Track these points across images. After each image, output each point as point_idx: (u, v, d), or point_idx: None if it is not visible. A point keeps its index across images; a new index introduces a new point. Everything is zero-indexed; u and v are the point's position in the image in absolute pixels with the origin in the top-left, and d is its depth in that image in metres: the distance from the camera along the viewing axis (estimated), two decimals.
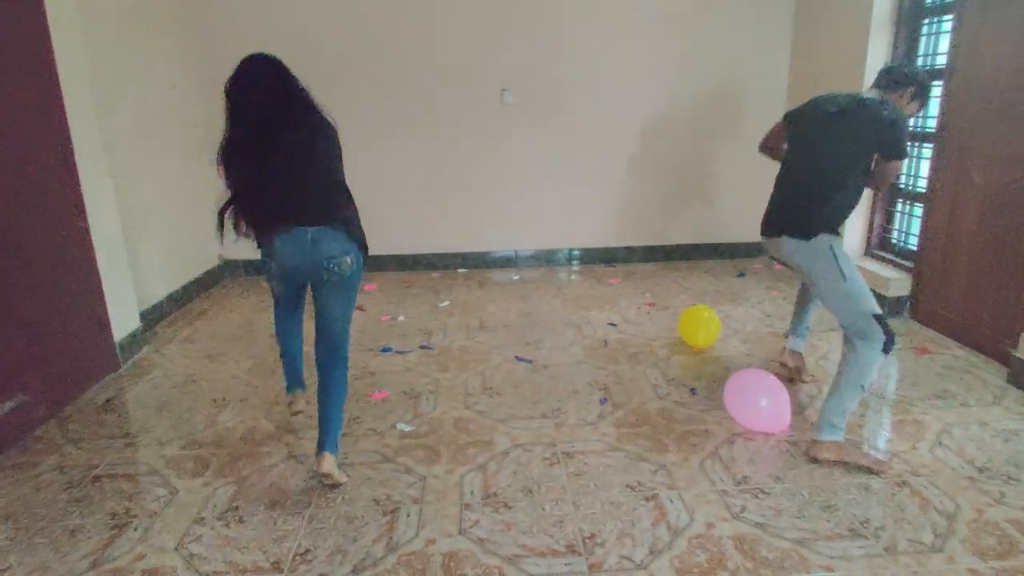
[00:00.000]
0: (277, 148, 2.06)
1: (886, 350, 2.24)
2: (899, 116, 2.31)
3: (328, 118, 2.16)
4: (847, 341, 2.31)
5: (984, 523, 1.96)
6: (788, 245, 2.48)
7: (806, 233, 2.41)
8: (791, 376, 2.95)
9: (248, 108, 2.11)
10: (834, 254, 2.37)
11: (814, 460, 2.29)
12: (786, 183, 2.58)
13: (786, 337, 3.02)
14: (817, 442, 2.30)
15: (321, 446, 2.17)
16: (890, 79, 2.43)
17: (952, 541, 1.88)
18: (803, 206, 2.46)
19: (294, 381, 2.64)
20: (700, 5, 4.61)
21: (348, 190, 2.25)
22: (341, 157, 2.20)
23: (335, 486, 2.21)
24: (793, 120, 2.58)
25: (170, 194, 4.15)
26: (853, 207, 2.48)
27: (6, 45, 2.60)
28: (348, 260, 2.17)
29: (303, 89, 2.17)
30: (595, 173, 4.90)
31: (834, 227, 2.45)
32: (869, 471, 2.23)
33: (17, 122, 2.65)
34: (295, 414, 2.63)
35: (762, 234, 2.64)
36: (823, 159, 2.41)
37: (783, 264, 2.69)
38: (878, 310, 2.27)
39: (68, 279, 2.92)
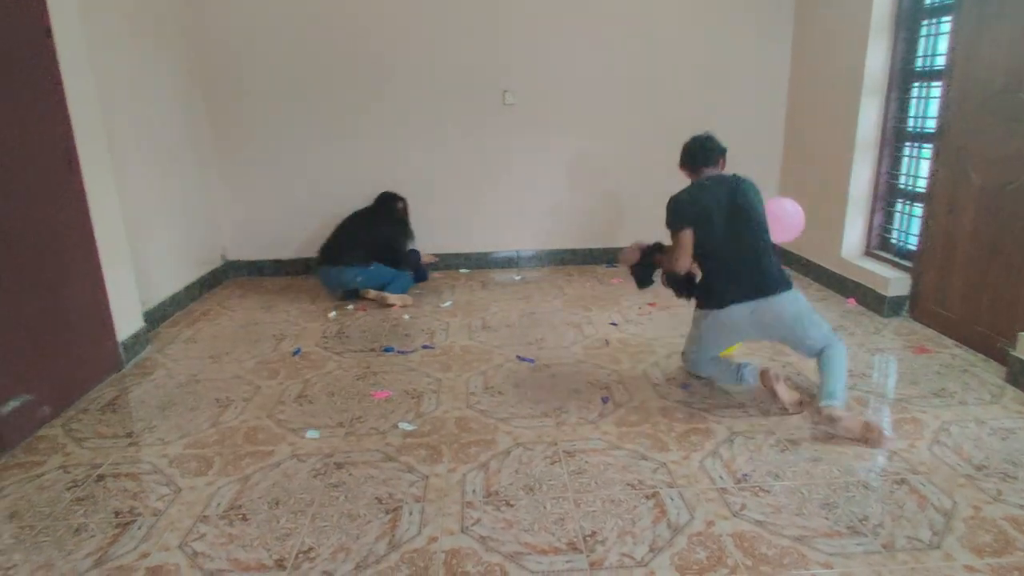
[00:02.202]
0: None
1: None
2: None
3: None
4: (823, 353, 2.61)
5: (981, 520, 1.97)
6: (785, 298, 2.63)
7: (788, 282, 2.67)
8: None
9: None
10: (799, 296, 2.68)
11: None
12: (736, 256, 2.66)
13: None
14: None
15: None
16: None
17: (950, 538, 1.90)
18: (767, 264, 2.66)
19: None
20: (699, 8, 4.63)
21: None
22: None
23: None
24: (698, 218, 2.68)
25: (173, 195, 4.17)
26: None
27: (8, 47, 2.61)
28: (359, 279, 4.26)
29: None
30: (597, 173, 4.92)
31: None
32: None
33: (20, 123, 2.66)
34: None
35: (752, 297, 2.63)
36: (757, 226, 2.67)
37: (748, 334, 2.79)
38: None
39: (72, 280, 2.94)
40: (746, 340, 3.04)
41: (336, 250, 4.27)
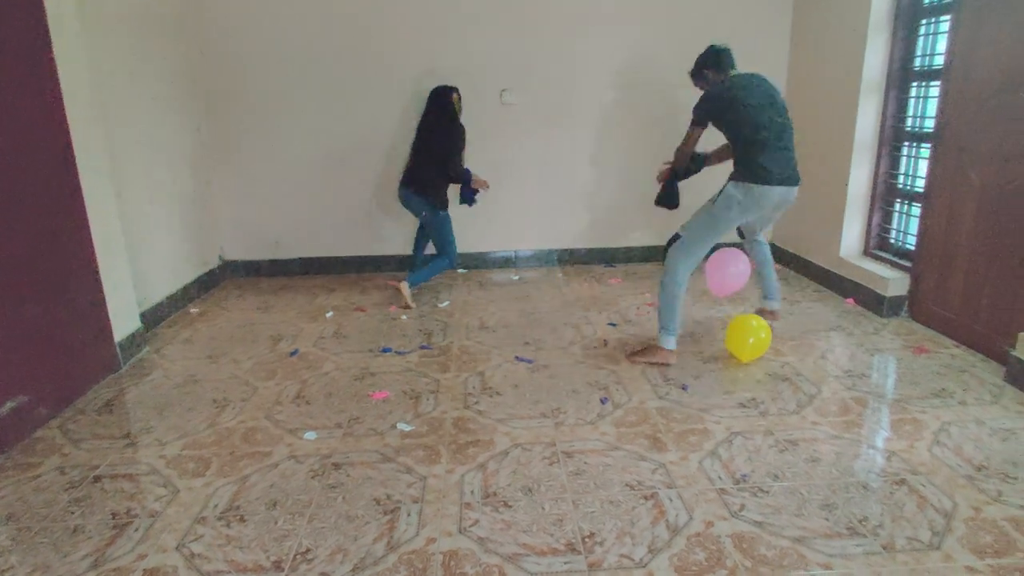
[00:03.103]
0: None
1: None
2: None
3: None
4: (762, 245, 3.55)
5: (982, 521, 1.97)
6: (797, 190, 3.08)
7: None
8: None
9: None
10: None
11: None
12: (779, 141, 2.99)
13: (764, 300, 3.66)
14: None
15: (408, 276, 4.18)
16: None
17: (950, 539, 1.89)
18: (793, 153, 3.07)
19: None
20: (696, 5, 4.62)
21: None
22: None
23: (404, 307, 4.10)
24: (725, 109, 3.04)
25: (170, 195, 4.16)
26: None
27: (5, 46, 2.60)
28: (424, 215, 4.20)
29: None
30: (595, 173, 4.92)
31: None
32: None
33: (17, 123, 2.65)
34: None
35: (785, 183, 2.99)
36: (786, 117, 3.02)
37: (755, 219, 3.21)
38: None
39: (69, 280, 2.93)
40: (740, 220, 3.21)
41: (409, 170, 4.22)
